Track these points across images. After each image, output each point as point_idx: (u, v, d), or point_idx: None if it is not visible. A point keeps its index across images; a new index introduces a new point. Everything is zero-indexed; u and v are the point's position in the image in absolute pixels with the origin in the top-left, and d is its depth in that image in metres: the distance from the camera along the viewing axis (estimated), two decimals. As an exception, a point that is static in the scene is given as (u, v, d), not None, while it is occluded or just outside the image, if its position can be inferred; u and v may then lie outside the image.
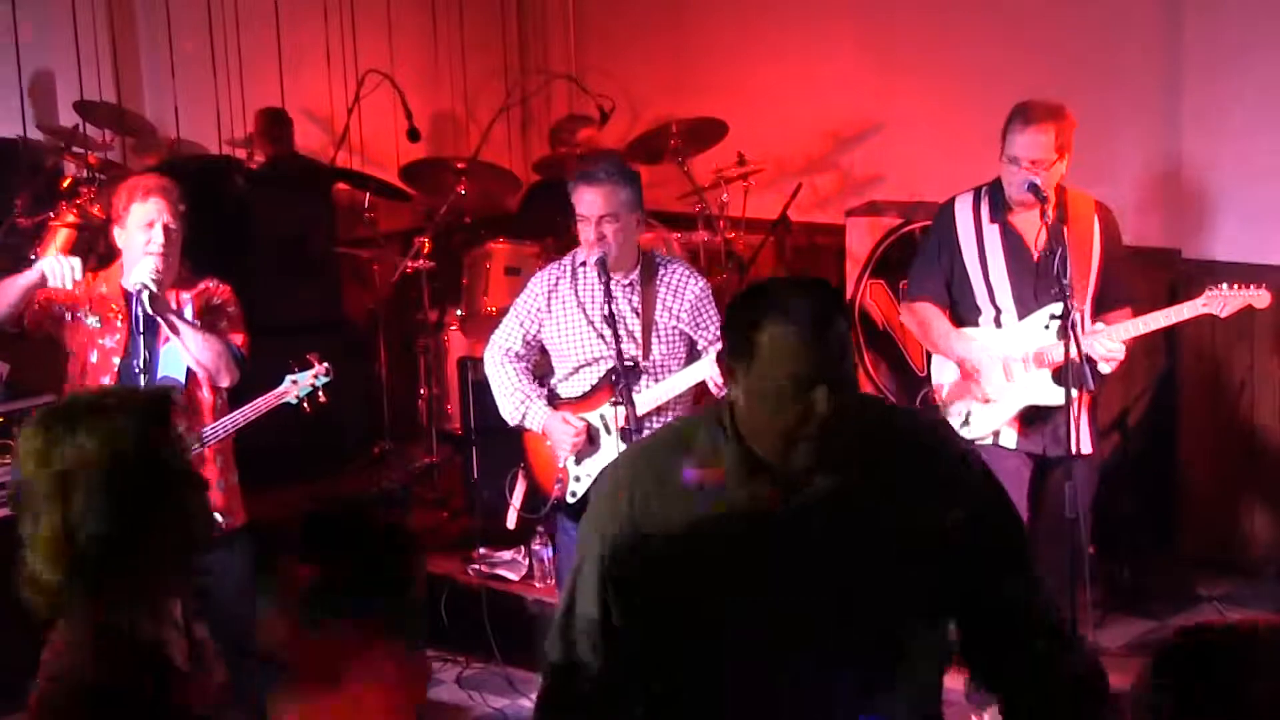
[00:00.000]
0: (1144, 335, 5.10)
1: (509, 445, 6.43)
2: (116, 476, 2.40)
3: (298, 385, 4.90)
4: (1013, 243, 4.96)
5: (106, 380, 4.74)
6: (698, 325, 4.98)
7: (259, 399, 4.84)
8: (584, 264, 5.01)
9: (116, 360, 4.73)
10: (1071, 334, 4.69)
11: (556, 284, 5.05)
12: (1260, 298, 4.97)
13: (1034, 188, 4.79)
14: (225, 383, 4.77)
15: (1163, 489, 6.62)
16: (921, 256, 5.28)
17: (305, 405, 4.92)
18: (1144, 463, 6.64)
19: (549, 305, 5.04)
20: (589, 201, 4.91)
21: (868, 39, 7.64)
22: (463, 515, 6.67)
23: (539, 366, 5.22)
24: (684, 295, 5.00)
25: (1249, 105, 6.29)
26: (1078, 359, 4.70)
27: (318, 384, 4.93)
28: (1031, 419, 4.95)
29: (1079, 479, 4.78)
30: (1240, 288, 4.95)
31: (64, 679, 2.35)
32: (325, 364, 4.95)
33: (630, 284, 4.98)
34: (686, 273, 5.07)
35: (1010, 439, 4.96)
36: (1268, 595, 6.20)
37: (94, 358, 4.77)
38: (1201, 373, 6.43)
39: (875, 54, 7.60)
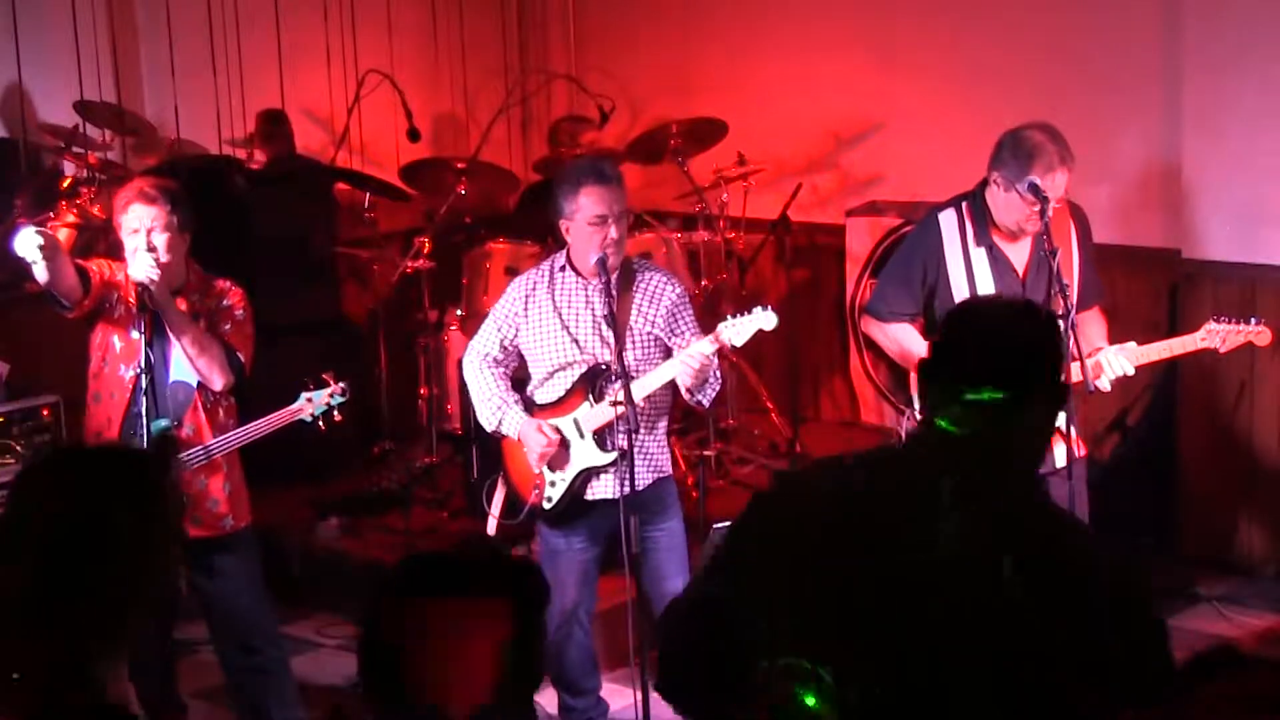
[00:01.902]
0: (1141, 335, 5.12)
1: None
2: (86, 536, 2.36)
3: (312, 404, 4.90)
4: (1001, 267, 4.92)
5: (124, 369, 4.72)
6: (673, 331, 4.97)
7: (273, 414, 4.84)
8: (564, 268, 4.98)
9: (148, 352, 4.72)
10: (1072, 333, 4.68)
11: (534, 289, 5.01)
12: (1261, 335, 4.95)
13: (1034, 187, 4.77)
14: (218, 385, 4.76)
15: (1163, 489, 6.62)
16: (897, 271, 5.13)
17: (320, 424, 4.91)
18: (1144, 463, 6.64)
19: (526, 310, 5.00)
20: (607, 199, 4.84)
21: (868, 39, 7.64)
22: (462, 515, 6.66)
23: (517, 372, 5.20)
24: (660, 301, 4.97)
25: (1249, 105, 6.29)
26: (1079, 361, 4.70)
27: (333, 403, 4.93)
28: None
29: (1076, 479, 4.79)
30: (1240, 323, 4.94)
31: None
32: (341, 384, 4.94)
33: (606, 284, 4.96)
34: (664, 279, 5.04)
35: None
36: (1268, 595, 6.21)
37: (117, 346, 4.77)
38: (1201, 373, 6.43)
39: (875, 54, 7.60)
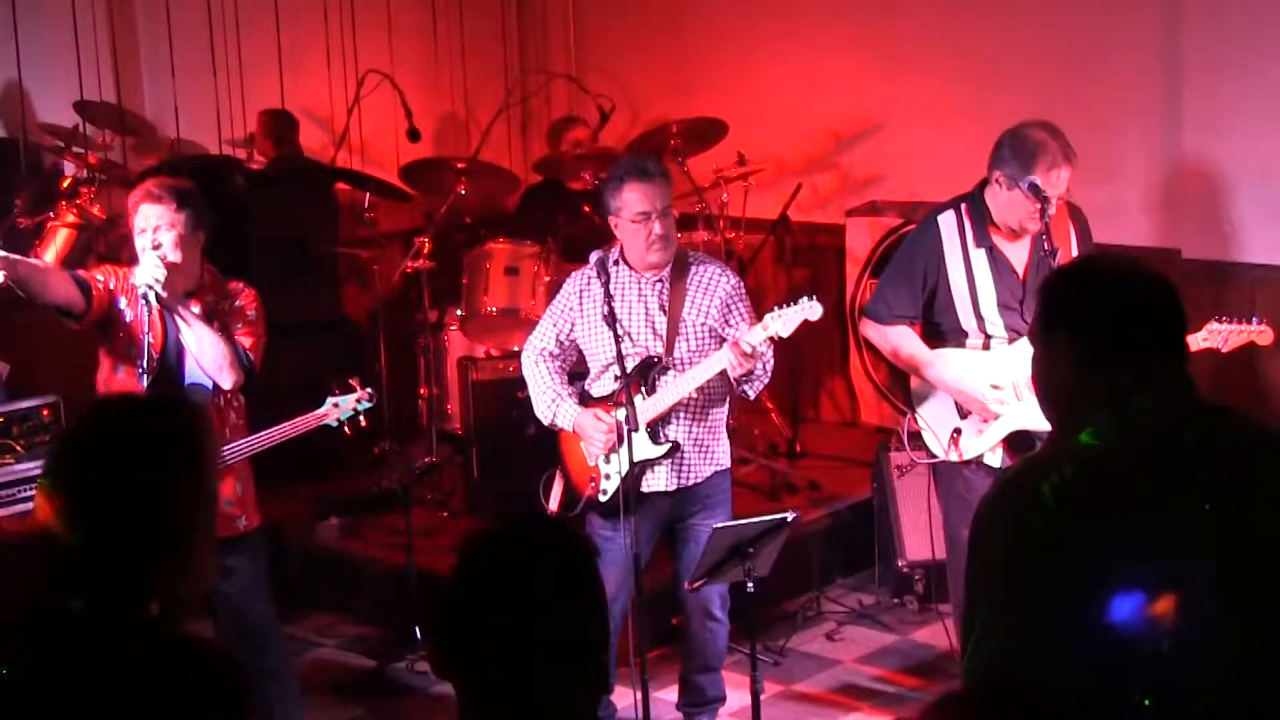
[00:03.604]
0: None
1: (508, 445, 6.46)
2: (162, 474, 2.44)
3: (339, 409, 4.90)
4: (1000, 267, 4.91)
5: (138, 373, 4.73)
6: (727, 322, 4.98)
7: (298, 418, 4.84)
8: (617, 263, 5.01)
9: (156, 354, 4.72)
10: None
11: (589, 283, 5.04)
12: (1264, 334, 4.95)
13: (1034, 187, 4.76)
14: (228, 384, 4.76)
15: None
16: (897, 274, 5.09)
17: (346, 429, 4.91)
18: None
19: (580, 305, 5.04)
20: (650, 195, 4.87)
21: (868, 39, 7.64)
22: (463, 515, 6.67)
23: (576, 367, 5.22)
24: (714, 293, 4.98)
25: (1249, 105, 6.29)
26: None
27: (359, 409, 4.93)
28: (1017, 441, 4.90)
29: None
30: (1242, 323, 4.93)
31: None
32: (368, 389, 4.95)
33: (660, 280, 4.98)
34: (719, 271, 5.05)
35: (995, 459, 4.93)
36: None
37: (130, 351, 4.77)
38: (1201, 373, 6.41)
39: (875, 54, 7.60)
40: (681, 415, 4.96)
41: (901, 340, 5.03)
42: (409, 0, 8.35)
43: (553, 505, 5.19)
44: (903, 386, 5.18)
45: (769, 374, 4.99)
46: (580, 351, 5.13)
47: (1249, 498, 2.52)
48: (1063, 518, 2.47)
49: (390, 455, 7.18)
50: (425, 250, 7.08)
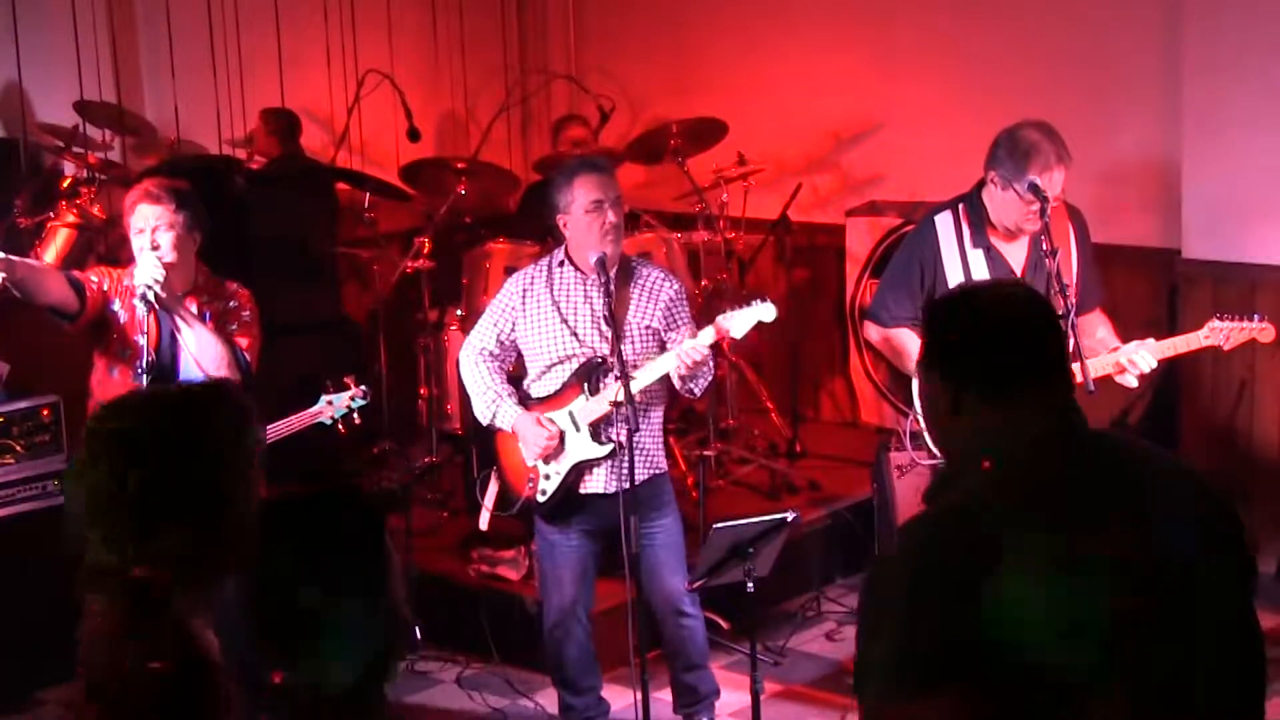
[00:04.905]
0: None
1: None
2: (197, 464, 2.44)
3: (333, 406, 4.90)
4: (998, 267, 4.92)
5: (134, 374, 4.73)
6: (669, 325, 5.01)
7: (292, 416, 4.85)
8: (562, 264, 5.01)
9: (153, 355, 4.73)
10: (1071, 333, 4.68)
11: (532, 283, 5.06)
12: (1265, 331, 4.95)
13: (1034, 186, 4.76)
14: None
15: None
16: (895, 276, 5.12)
17: (340, 427, 4.92)
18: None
19: (523, 305, 5.05)
20: (602, 185, 4.90)
21: (868, 39, 7.65)
22: (462, 515, 6.67)
23: (515, 368, 5.22)
24: (658, 297, 5.01)
25: (1248, 106, 6.29)
26: (1080, 361, 4.70)
27: (354, 406, 4.93)
28: None
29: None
30: (1244, 320, 4.93)
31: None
32: (363, 387, 4.95)
33: (606, 283, 4.99)
34: (662, 276, 5.09)
35: None
36: (1268, 595, 6.19)
37: (126, 351, 4.78)
38: (1201, 372, 6.43)
39: (875, 54, 7.60)
40: (623, 416, 4.94)
41: (904, 343, 5.03)
42: (409, 0, 8.35)
43: (487, 503, 5.19)
44: (903, 387, 5.18)
45: (712, 371, 5.05)
46: (519, 352, 5.12)
47: (1138, 534, 2.35)
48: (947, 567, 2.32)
49: (390, 455, 7.18)
50: (425, 250, 7.08)
